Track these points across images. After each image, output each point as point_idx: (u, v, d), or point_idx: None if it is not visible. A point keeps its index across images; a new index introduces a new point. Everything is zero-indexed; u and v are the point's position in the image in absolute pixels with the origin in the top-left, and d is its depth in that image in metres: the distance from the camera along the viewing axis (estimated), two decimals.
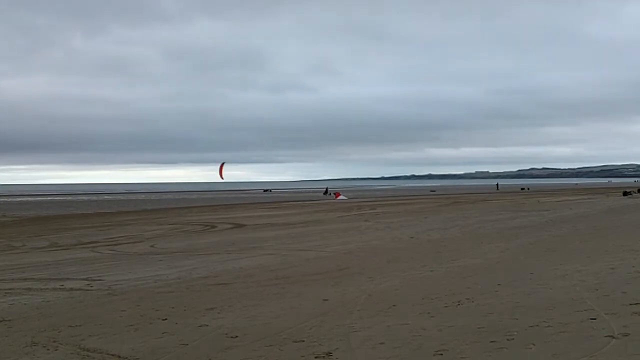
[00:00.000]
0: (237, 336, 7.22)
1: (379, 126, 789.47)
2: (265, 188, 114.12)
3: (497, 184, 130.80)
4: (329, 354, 6.35)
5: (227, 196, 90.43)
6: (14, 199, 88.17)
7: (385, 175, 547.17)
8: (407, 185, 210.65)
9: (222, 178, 58.63)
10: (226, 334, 7.38)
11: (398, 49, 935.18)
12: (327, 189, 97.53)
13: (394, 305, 8.67)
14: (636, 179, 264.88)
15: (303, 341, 6.88)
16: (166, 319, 8.30)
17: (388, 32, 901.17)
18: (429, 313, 8.07)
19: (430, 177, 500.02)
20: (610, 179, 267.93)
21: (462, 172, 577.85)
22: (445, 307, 8.45)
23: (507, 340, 6.54)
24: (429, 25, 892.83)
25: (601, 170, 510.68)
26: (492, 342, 6.49)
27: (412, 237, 19.26)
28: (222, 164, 58.39)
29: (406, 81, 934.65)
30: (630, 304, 7.94)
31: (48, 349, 6.99)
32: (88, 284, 11.62)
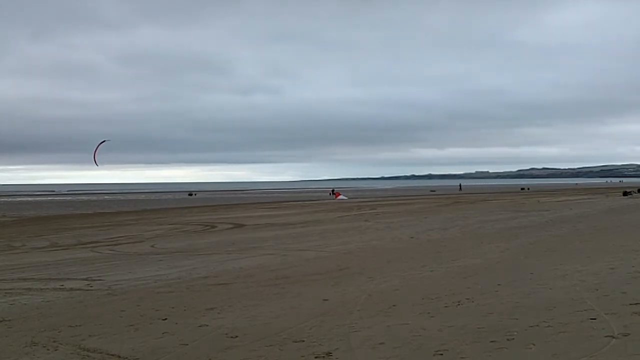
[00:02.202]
0: (237, 336, 7.23)
1: (361, 127, 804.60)
2: (190, 192, 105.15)
3: (460, 185, 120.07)
4: (329, 354, 6.35)
5: (147, 198, 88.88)
6: (14, 199, 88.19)
7: (385, 176, 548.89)
8: (398, 185, 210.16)
9: (97, 164, 45.86)
10: (226, 334, 7.38)
11: (340, 54, 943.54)
12: (333, 189, 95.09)
13: (394, 305, 8.67)
14: (621, 179, 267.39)
15: (303, 341, 6.88)
16: (166, 319, 8.30)
17: (323, 38, 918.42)
18: (429, 313, 8.08)
19: (430, 177, 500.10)
20: (610, 179, 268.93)
21: (462, 172, 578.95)
22: (445, 307, 8.45)
23: (507, 340, 6.54)
24: (357, 32, 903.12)
25: (601, 170, 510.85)
26: (492, 342, 6.49)
27: (412, 237, 19.26)
28: (99, 145, 44.98)
29: (365, 84, 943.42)
30: (630, 304, 7.94)
31: (48, 349, 6.99)
32: (88, 284, 11.62)
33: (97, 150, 44.21)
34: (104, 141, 44.71)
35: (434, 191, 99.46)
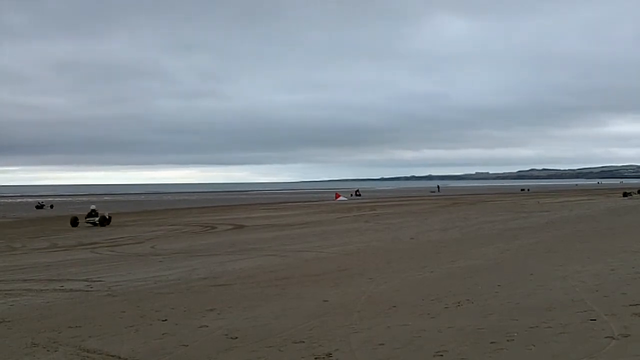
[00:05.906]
0: (237, 337, 7.23)
1: (323, 129, 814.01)
2: (40, 202, 64.58)
3: (438, 186, 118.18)
4: (329, 354, 6.35)
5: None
6: (14, 200, 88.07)
7: (385, 177, 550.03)
8: (390, 186, 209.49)
9: None
10: (226, 334, 7.38)
11: (255, 63, 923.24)
12: (357, 190, 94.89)
13: (394, 306, 8.67)
14: (600, 180, 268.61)
15: (303, 342, 6.88)
16: (166, 320, 8.30)
17: (229, 49, 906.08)
18: (429, 314, 8.08)
19: (430, 177, 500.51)
20: (600, 180, 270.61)
21: (461, 173, 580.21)
22: (445, 308, 8.45)
23: (507, 341, 6.54)
24: (259, 44, 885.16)
25: (601, 171, 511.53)
26: (492, 343, 6.49)
27: (412, 238, 19.26)
28: None
29: (298, 90, 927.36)
30: (630, 305, 7.95)
31: (48, 350, 6.99)
32: (88, 285, 11.63)
33: None
34: None
35: (434, 192, 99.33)
